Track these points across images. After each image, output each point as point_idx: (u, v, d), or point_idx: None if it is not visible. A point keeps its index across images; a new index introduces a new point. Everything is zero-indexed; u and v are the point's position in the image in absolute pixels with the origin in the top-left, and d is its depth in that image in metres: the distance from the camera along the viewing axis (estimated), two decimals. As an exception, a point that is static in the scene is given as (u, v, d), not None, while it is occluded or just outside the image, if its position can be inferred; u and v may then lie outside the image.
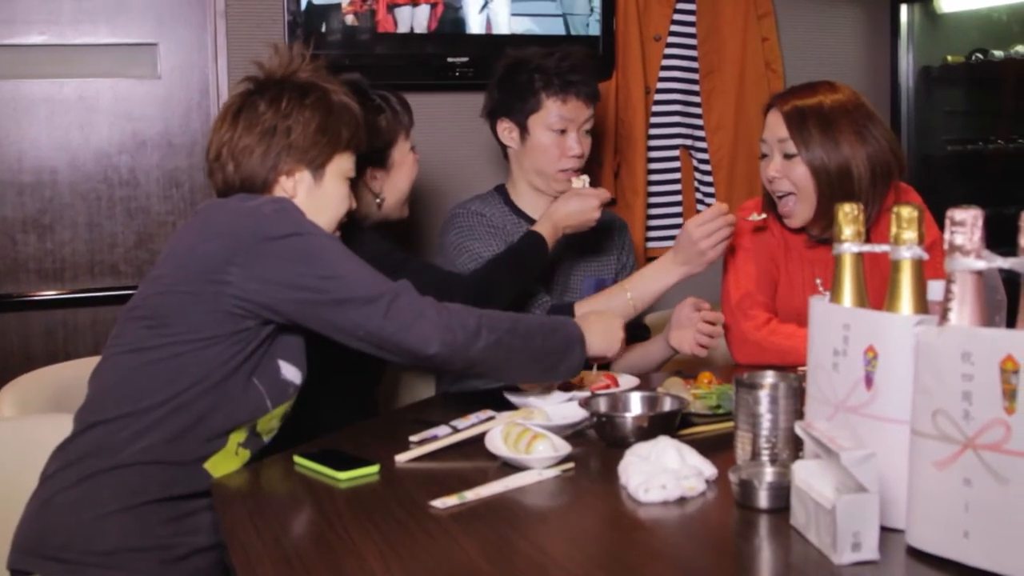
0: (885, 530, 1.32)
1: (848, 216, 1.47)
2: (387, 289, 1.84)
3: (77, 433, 1.86)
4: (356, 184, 2.42)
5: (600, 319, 2.14)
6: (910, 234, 1.35)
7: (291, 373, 1.92)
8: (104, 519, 1.78)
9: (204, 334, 1.81)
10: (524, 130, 2.69)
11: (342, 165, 2.04)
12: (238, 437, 1.87)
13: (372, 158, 2.43)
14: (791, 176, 2.38)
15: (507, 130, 2.73)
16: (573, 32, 3.38)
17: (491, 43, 3.16)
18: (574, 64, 2.66)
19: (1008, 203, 3.42)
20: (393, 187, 2.50)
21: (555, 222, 2.54)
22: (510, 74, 2.71)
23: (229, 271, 1.80)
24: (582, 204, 2.53)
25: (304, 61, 2.04)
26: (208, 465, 1.84)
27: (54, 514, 1.80)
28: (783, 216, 2.45)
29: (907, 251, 1.35)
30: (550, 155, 2.67)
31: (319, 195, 2.01)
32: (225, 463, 1.86)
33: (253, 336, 1.85)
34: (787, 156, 2.38)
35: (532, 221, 2.69)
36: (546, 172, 2.68)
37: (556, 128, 2.66)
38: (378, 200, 2.47)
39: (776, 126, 2.40)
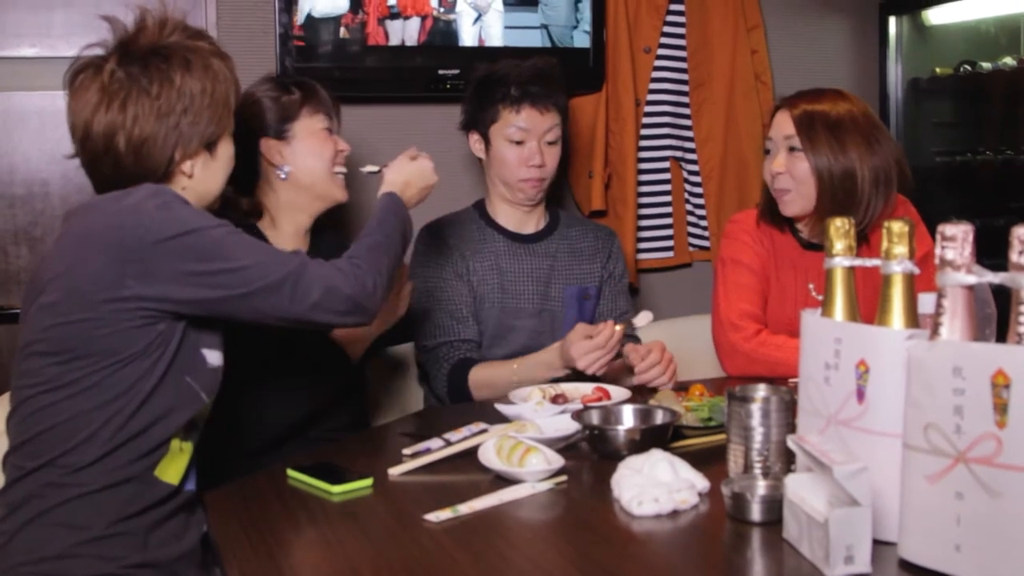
0: (877, 543, 1.33)
1: (840, 230, 1.48)
2: (290, 270, 1.79)
3: (15, 480, 1.77)
4: (254, 162, 2.37)
5: (409, 174, 2.18)
6: (901, 249, 1.36)
7: (214, 358, 1.86)
8: (67, 556, 1.71)
9: (119, 356, 1.74)
10: (488, 141, 2.72)
11: (230, 128, 1.94)
12: (177, 435, 1.82)
13: (268, 131, 2.38)
14: (794, 172, 2.40)
15: (476, 142, 2.76)
16: (563, 44, 3.38)
17: (481, 56, 3.15)
18: (534, 74, 2.67)
19: (997, 215, 3.45)
20: (297, 159, 2.38)
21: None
22: (478, 87, 2.74)
23: (125, 283, 1.71)
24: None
25: (167, 20, 1.89)
26: (158, 472, 1.79)
27: (8, 563, 1.71)
28: (778, 200, 2.46)
29: (898, 265, 1.36)
30: (509, 165, 2.69)
31: (214, 165, 1.92)
32: (173, 464, 1.81)
33: (170, 336, 1.77)
34: (792, 150, 2.41)
35: (507, 233, 2.74)
36: (508, 182, 2.71)
37: (513, 139, 2.67)
38: (280, 172, 2.38)
39: (784, 124, 2.43)
